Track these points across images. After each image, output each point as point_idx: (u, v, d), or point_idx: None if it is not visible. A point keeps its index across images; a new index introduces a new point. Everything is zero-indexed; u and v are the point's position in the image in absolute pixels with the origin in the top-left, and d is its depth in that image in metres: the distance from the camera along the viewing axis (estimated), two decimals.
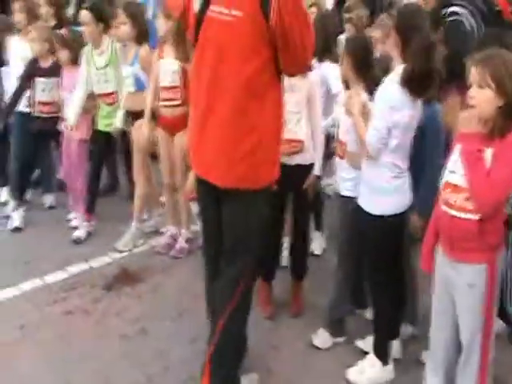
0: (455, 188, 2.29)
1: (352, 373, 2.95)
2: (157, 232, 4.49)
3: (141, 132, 4.06)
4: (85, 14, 4.18)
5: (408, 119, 2.61)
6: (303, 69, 2.78)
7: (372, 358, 2.93)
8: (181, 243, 4.22)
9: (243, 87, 2.37)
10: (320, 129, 3.40)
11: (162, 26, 3.84)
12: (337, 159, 3.15)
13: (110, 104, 4.31)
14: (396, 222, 2.74)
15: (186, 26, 2.60)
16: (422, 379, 2.65)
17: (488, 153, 2.22)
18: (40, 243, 4.36)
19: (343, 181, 3.06)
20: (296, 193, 3.40)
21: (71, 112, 4.32)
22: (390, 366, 2.94)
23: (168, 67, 3.85)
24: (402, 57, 2.62)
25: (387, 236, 2.77)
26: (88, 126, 4.49)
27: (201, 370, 2.67)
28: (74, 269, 4.05)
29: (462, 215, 2.28)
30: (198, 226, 4.15)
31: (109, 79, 4.27)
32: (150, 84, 4.00)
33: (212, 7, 2.37)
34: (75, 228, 4.48)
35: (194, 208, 4.03)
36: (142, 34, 4.07)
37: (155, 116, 4.05)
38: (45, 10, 4.93)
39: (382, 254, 2.82)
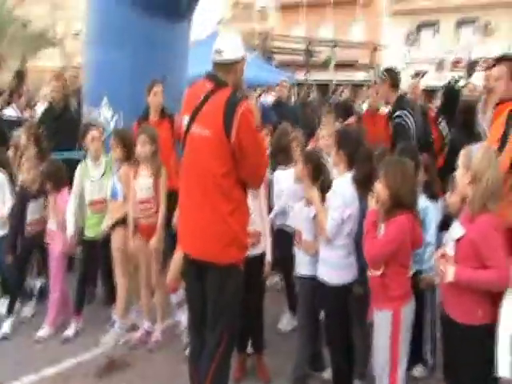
0: None
1: None
2: (134, 327, 5.10)
3: (120, 237, 4.86)
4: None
5: (357, 212, 3.64)
6: (257, 183, 3.57)
7: None
8: (157, 337, 4.89)
9: (214, 185, 3.29)
10: (267, 221, 4.36)
11: (142, 150, 4.70)
12: (295, 247, 4.10)
13: (100, 211, 5.06)
14: (347, 290, 3.68)
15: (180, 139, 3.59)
16: None
17: (381, 226, 3.28)
18: (30, 345, 4.88)
19: (301, 263, 4.02)
20: (250, 278, 3.84)
21: (69, 224, 5.06)
22: None
23: (143, 184, 4.73)
24: (348, 167, 3.70)
25: (341, 302, 3.71)
26: (67, 238, 5.14)
27: None
28: (66, 364, 4.60)
29: (372, 273, 3.32)
30: (172, 320, 4.94)
31: (102, 189, 5.07)
32: (130, 198, 4.82)
33: (193, 126, 3.36)
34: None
35: (174, 298, 4.82)
36: (130, 156, 4.92)
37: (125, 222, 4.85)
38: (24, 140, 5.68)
39: (338, 318, 3.75)
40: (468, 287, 3.00)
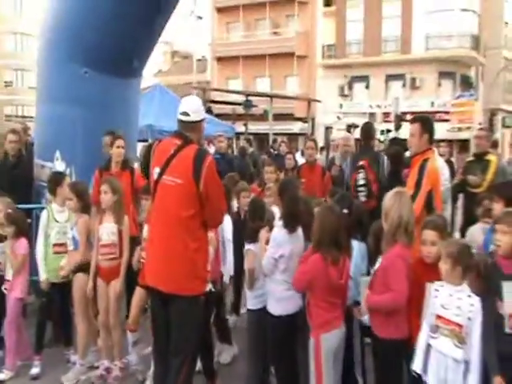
0: None
1: None
2: (92, 367, 5.39)
3: (82, 282, 5.20)
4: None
5: (289, 251, 4.19)
6: (217, 224, 4.28)
7: None
8: (116, 372, 5.23)
9: (182, 226, 3.86)
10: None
11: (106, 199, 5.12)
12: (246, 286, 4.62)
13: (63, 254, 5.38)
14: (290, 320, 4.20)
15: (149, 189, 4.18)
16: None
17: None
18: None
19: (250, 299, 4.53)
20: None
21: (41, 269, 5.39)
22: None
23: (108, 229, 5.15)
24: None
25: (285, 330, 4.20)
26: (24, 285, 5.46)
27: None
28: None
29: None
30: (129, 358, 5.31)
31: (66, 231, 5.41)
32: (94, 244, 5.21)
33: (164, 176, 3.92)
34: None
35: (131, 338, 5.21)
36: (85, 206, 5.35)
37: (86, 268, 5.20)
38: None
39: (282, 345, 4.23)
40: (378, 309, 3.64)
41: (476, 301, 3.50)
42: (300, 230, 4.29)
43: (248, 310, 4.63)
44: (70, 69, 6.54)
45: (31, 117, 25.56)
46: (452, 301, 3.52)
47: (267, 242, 4.29)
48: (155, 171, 3.99)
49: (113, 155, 6.14)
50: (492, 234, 4.04)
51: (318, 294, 3.91)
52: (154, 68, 46.48)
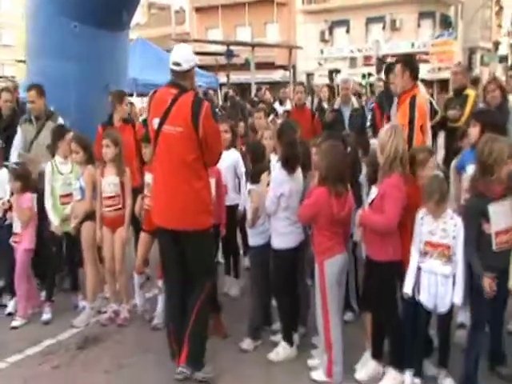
0: None
1: (271, 355, 4.63)
2: (100, 312, 5.69)
3: (90, 230, 5.48)
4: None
5: (288, 190, 4.45)
6: (214, 163, 4.55)
7: (282, 343, 4.63)
8: (124, 314, 5.55)
9: (187, 169, 4.17)
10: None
11: (107, 152, 5.32)
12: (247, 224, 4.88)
13: (69, 203, 5.62)
14: (291, 253, 4.51)
15: (148, 138, 4.47)
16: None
17: None
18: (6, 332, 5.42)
19: (253, 236, 4.82)
20: None
21: (51, 217, 5.63)
22: (294, 348, 4.66)
23: (110, 181, 5.36)
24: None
25: (287, 263, 4.53)
26: (32, 237, 5.70)
27: (172, 352, 4.37)
28: (47, 342, 5.18)
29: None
30: (136, 300, 5.64)
31: (71, 183, 5.64)
32: (98, 195, 5.44)
33: (165, 126, 4.16)
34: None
35: (137, 280, 5.53)
36: (90, 158, 5.54)
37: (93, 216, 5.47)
38: None
39: (284, 277, 4.55)
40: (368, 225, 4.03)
41: (458, 220, 3.87)
42: (299, 171, 4.55)
43: (250, 247, 4.93)
44: (60, 23, 6.64)
45: (6, 76, 25.07)
46: (438, 225, 3.87)
47: (268, 185, 4.55)
48: (154, 122, 4.21)
49: (119, 111, 6.30)
50: (469, 156, 4.43)
51: (322, 224, 4.19)
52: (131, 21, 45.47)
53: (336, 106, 7.75)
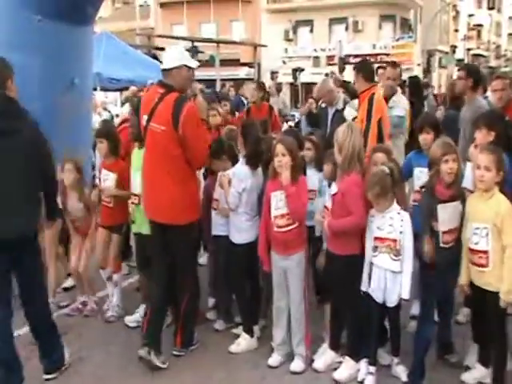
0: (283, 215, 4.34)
1: (232, 347, 4.76)
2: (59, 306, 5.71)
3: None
4: None
5: (250, 185, 4.62)
6: (199, 166, 4.69)
7: (244, 335, 4.79)
8: (91, 304, 5.65)
9: (172, 165, 4.33)
10: None
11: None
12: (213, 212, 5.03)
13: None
14: (250, 247, 4.66)
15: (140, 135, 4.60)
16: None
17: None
18: None
19: (217, 225, 4.98)
20: None
21: None
22: (254, 338, 4.82)
23: (75, 205, 5.48)
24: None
25: (245, 257, 4.69)
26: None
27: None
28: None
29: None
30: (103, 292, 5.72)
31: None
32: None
33: (151, 123, 4.34)
34: None
35: (103, 274, 5.62)
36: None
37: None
38: None
39: (243, 271, 4.73)
40: (342, 231, 4.17)
41: (405, 215, 4.07)
42: (260, 168, 4.73)
43: (213, 236, 5.08)
44: (24, 16, 6.58)
45: None
46: (385, 221, 4.07)
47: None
48: (144, 118, 4.41)
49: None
50: (416, 158, 4.71)
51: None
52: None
53: (323, 105, 7.89)
